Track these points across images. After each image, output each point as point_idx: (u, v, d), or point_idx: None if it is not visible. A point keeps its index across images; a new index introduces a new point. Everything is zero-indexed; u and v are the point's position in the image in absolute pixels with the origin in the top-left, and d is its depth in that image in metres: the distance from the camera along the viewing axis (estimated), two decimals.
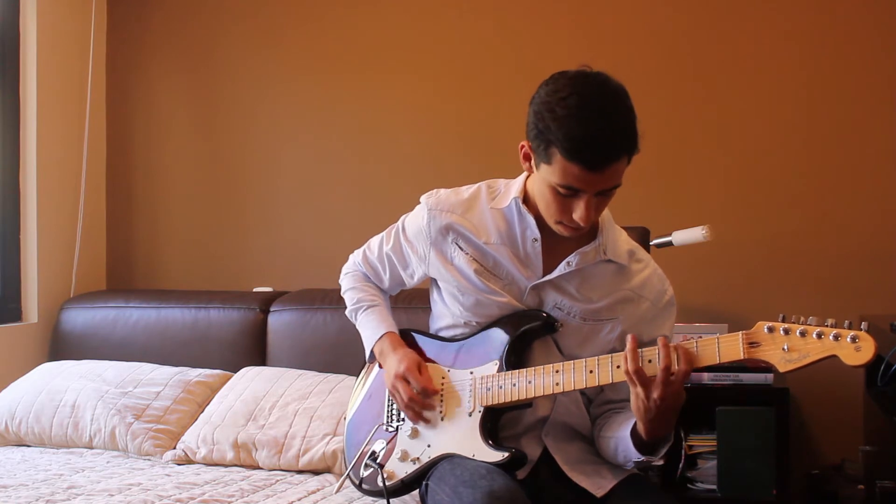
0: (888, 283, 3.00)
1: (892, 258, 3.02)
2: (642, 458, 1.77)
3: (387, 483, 1.92)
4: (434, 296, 2.05)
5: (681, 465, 2.88)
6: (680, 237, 2.90)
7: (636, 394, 1.66)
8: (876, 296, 3.00)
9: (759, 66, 3.15)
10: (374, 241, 2.14)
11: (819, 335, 1.52)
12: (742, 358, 1.60)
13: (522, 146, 1.78)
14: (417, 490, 1.92)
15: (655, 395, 1.63)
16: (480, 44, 3.37)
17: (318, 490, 2.33)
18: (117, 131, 3.71)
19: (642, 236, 2.48)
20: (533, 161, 1.76)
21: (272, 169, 3.57)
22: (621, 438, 1.80)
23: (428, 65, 3.42)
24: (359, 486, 2.04)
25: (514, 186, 1.90)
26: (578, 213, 1.71)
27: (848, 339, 1.49)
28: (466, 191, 1.97)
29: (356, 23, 3.49)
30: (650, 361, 1.65)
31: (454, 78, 3.39)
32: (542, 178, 1.73)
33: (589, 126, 1.63)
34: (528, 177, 1.90)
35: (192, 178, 3.66)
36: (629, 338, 1.67)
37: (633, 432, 1.75)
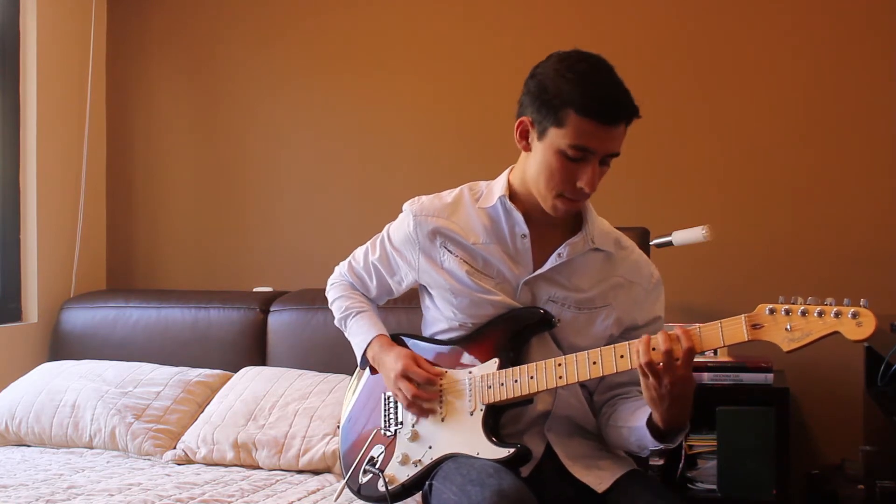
0: (888, 283, 3.00)
1: (892, 258, 3.02)
2: (660, 445, 1.79)
3: (388, 487, 1.91)
4: (426, 302, 2.04)
5: (681, 465, 2.88)
6: (680, 237, 2.91)
7: (647, 385, 1.68)
8: (876, 296, 2.98)
9: (759, 65, 3.15)
10: (359, 252, 2.14)
11: (820, 313, 1.54)
12: (746, 340, 1.61)
13: (521, 122, 1.81)
14: (418, 493, 1.91)
15: (666, 381, 1.65)
16: (480, 44, 3.37)
17: (318, 490, 2.33)
18: (117, 131, 3.71)
19: (642, 236, 2.47)
20: (534, 133, 1.78)
21: (272, 169, 3.57)
22: (636, 428, 1.81)
23: (428, 65, 3.43)
24: (357, 493, 2.02)
25: (498, 185, 1.92)
26: (584, 179, 1.75)
27: (849, 316, 1.52)
28: (448, 195, 1.98)
29: (356, 23, 3.49)
30: (654, 349, 1.67)
31: (454, 78, 3.39)
32: (550, 145, 1.76)
33: (601, 84, 1.73)
34: (510, 172, 1.91)
35: (192, 178, 3.66)
36: (644, 336, 1.69)
37: (650, 422, 1.76)
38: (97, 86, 3.63)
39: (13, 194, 3.33)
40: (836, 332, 1.53)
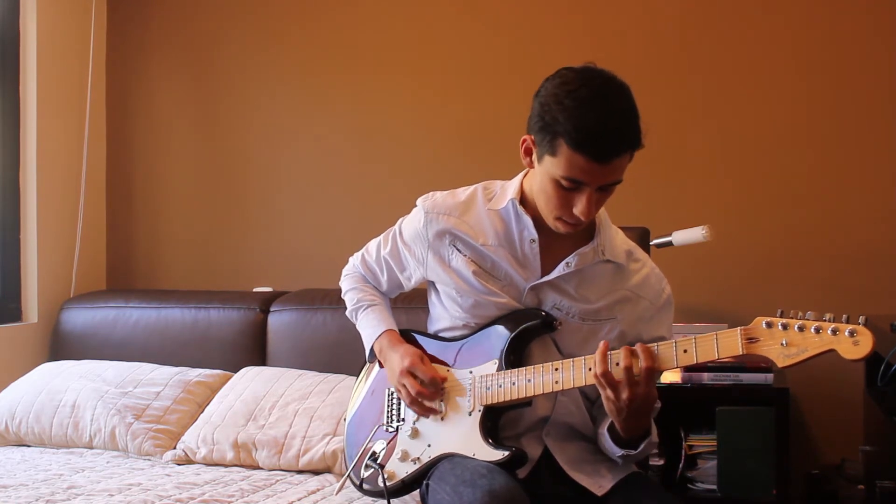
0: (888, 283, 3.00)
1: (892, 258, 3.02)
2: (622, 452, 1.81)
3: (387, 483, 1.92)
4: (432, 298, 2.04)
5: (681, 465, 2.88)
6: (680, 237, 2.91)
7: (606, 396, 1.70)
8: (876, 296, 3.00)
9: (760, 65, 3.15)
10: (372, 245, 2.14)
11: (817, 330, 1.52)
12: (741, 353, 1.60)
13: (524, 140, 1.78)
14: (418, 490, 1.92)
15: (624, 395, 1.68)
16: (480, 44, 3.37)
17: (318, 490, 2.33)
18: (117, 131, 3.71)
19: (642, 236, 2.47)
20: (535, 154, 1.76)
21: (272, 169, 3.57)
22: (601, 434, 1.84)
23: (428, 65, 3.42)
24: (359, 487, 2.04)
25: (511, 187, 1.90)
26: (579, 208, 1.72)
27: (846, 333, 1.49)
28: (462, 193, 1.96)
29: (356, 23, 3.49)
30: (617, 364, 1.68)
31: (454, 78, 3.39)
32: (545, 171, 1.73)
33: (597, 117, 1.65)
34: (524, 176, 1.90)
35: (192, 178, 3.66)
36: (601, 343, 1.70)
37: (612, 429, 1.80)
38: (97, 86, 3.63)
39: (13, 194, 3.33)
40: (832, 350, 1.51)
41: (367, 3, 3.49)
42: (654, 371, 1.67)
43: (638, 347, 1.68)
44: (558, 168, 1.69)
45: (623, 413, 1.70)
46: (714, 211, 3.12)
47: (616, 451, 1.82)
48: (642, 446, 1.80)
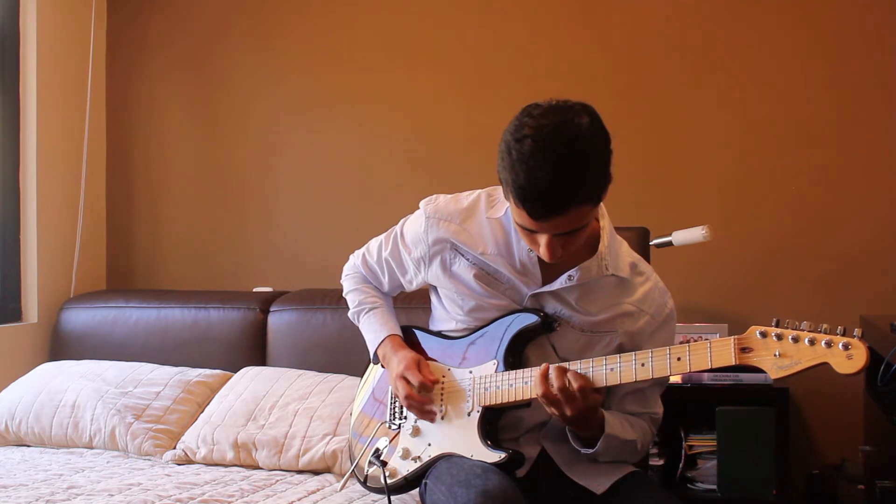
0: (888, 284, 3.00)
1: (891, 258, 3.02)
2: (584, 450, 1.83)
3: (390, 481, 1.93)
4: (434, 300, 2.05)
5: (681, 465, 2.88)
6: (680, 237, 2.91)
7: (551, 411, 1.75)
8: (876, 296, 3.00)
9: (760, 65, 3.15)
10: (374, 244, 2.13)
11: (811, 342, 1.51)
12: (734, 363, 1.59)
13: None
14: (418, 488, 1.93)
15: (567, 410, 1.73)
16: (481, 45, 3.37)
17: (318, 490, 2.33)
18: (117, 131, 3.71)
19: (642, 236, 2.47)
20: None
21: (272, 169, 3.57)
22: (569, 434, 1.85)
23: (428, 65, 3.42)
24: (363, 483, 2.06)
25: None
26: (541, 251, 1.72)
27: (840, 347, 1.48)
28: (466, 199, 1.95)
29: (356, 23, 3.49)
30: (549, 382, 1.74)
31: (454, 78, 3.39)
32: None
33: (535, 177, 1.60)
34: None
35: (192, 178, 3.66)
36: (541, 367, 1.75)
37: (570, 430, 1.84)
38: (97, 86, 3.63)
39: (13, 194, 3.33)
40: (825, 363, 1.50)
41: (368, 3, 3.49)
42: (587, 390, 1.71)
43: (571, 370, 1.73)
44: (513, 213, 1.71)
45: (571, 423, 1.76)
46: (714, 211, 3.12)
47: (582, 450, 1.84)
48: (600, 443, 1.80)
